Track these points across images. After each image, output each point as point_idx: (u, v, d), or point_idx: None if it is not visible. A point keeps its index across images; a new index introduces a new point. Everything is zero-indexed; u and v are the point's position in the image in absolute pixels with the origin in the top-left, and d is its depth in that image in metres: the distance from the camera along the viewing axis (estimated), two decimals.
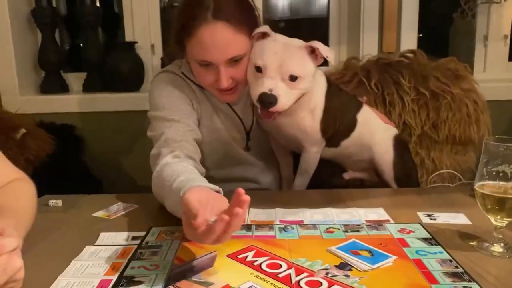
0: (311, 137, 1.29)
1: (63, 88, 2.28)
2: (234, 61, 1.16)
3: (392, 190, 1.30)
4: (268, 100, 1.11)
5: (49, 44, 2.20)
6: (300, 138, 1.29)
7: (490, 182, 0.86)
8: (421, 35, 2.28)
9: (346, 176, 1.48)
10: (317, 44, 1.15)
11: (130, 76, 2.22)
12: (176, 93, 1.25)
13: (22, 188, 0.99)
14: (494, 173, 0.85)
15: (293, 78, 1.13)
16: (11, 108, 2.06)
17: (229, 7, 1.14)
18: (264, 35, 1.17)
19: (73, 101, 2.20)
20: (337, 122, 1.31)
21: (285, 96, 1.13)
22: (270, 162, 1.45)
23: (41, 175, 1.82)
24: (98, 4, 2.37)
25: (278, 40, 1.16)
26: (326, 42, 2.38)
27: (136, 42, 2.27)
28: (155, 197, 1.09)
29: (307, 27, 2.76)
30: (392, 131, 1.44)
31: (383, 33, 2.16)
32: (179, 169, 1.02)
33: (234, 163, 1.39)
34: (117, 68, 2.19)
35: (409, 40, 2.19)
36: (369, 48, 2.15)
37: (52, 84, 2.25)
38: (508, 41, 2.36)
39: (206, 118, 1.30)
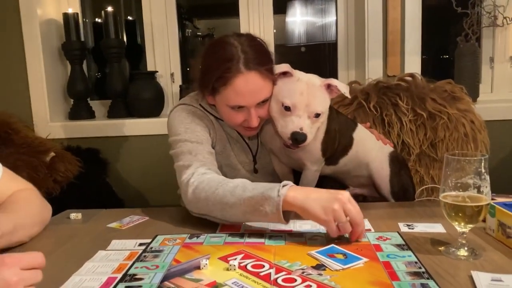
0: (313, 156, 1.41)
1: (90, 115, 2.47)
2: (261, 102, 1.30)
3: (379, 204, 1.39)
4: (301, 138, 1.26)
5: (77, 75, 2.41)
6: (303, 158, 1.41)
7: (453, 193, 0.96)
8: (425, 57, 2.38)
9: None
10: (334, 82, 1.30)
11: (151, 103, 2.40)
12: (196, 121, 1.37)
13: (24, 194, 1.14)
14: (457, 184, 0.95)
15: (317, 116, 1.28)
16: (43, 133, 2.25)
17: (256, 57, 1.27)
18: (285, 73, 1.30)
19: (99, 127, 2.38)
20: (336, 142, 1.43)
21: (311, 133, 1.28)
22: (275, 181, 1.57)
23: (68, 194, 1.99)
24: (122, 37, 2.57)
25: (302, 80, 1.29)
26: (336, 66, 2.51)
27: (157, 71, 2.45)
28: (196, 209, 1.21)
29: (322, 52, 2.89)
30: (387, 148, 1.55)
31: (387, 57, 2.28)
32: (235, 181, 1.17)
33: None
34: (139, 96, 2.37)
35: (413, 63, 2.30)
36: (375, 72, 2.26)
37: (80, 111, 2.44)
38: None
39: (220, 145, 1.44)
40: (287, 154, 1.43)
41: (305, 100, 1.25)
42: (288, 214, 1.10)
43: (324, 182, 1.52)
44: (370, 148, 1.51)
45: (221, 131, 1.44)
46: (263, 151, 1.51)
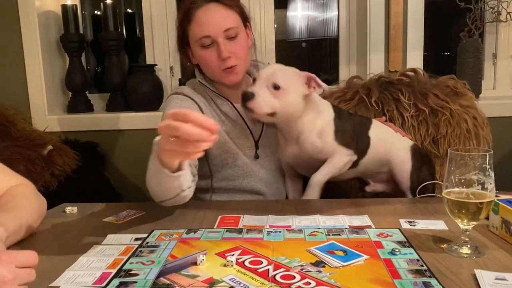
0: (330, 149, 1.37)
1: (88, 108, 2.45)
2: (231, 38, 1.38)
3: (380, 200, 1.37)
4: (246, 96, 1.28)
5: (75, 68, 2.38)
6: (320, 157, 1.39)
7: (456, 189, 0.94)
8: (426, 53, 2.36)
9: (368, 189, 1.57)
10: (313, 75, 1.30)
11: (150, 97, 2.37)
12: (183, 105, 1.41)
13: (21, 190, 1.12)
14: (460, 180, 0.93)
15: (276, 87, 1.27)
16: (40, 127, 2.23)
17: None
18: None
19: (97, 120, 2.36)
20: (355, 142, 1.40)
21: (264, 98, 1.27)
22: (276, 173, 1.55)
23: (66, 188, 1.97)
24: (121, 30, 2.54)
25: (276, 64, 1.35)
26: (337, 61, 2.48)
27: (156, 65, 2.43)
28: (148, 186, 1.18)
29: (323, 47, 2.87)
30: (407, 142, 1.53)
31: (389, 52, 2.25)
32: None
33: (242, 175, 1.50)
34: (138, 89, 2.35)
35: (414, 59, 2.27)
36: (376, 67, 2.24)
37: (78, 104, 2.42)
38: None
39: (228, 137, 1.45)
40: (303, 161, 1.42)
41: (270, 72, 1.30)
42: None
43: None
44: (390, 143, 1.50)
45: (214, 115, 1.45)
46: (267, 138, 1.49)
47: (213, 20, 1.36)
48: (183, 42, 1.46)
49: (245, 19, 1.47)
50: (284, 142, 1.41)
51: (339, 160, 1.38)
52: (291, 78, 1.30)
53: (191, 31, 1.40)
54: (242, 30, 1.43)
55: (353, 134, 1.40)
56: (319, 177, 1.37)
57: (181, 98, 1.44)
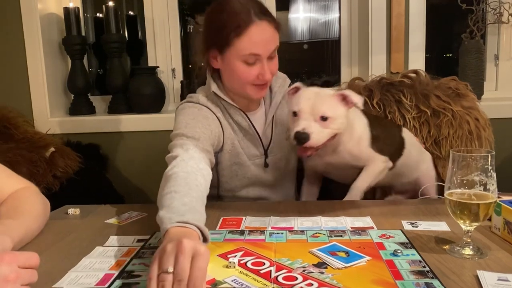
0: (367, 156, 1.41)
1: (90, 110, 2.45)
2: (271, 57, 1.36)
3: (382, 201, 1.37)
4: (301, 137, 1.27)
5: (78, 70, 2.39)
6: (356, 164, 1.42)
7: (458, 190, 0.94)
8: (429, 55, 2.36)
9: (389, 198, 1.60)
10: (347, 92, 1.32)
11: (152, 99, 2.37)
12: (199, 118, 1.36)
13: (26, 194, 1.12)
14: (462, 181, 0.93)
15: (324, 118, 1.29)
16: (42, 129, 2.24)
17: (263, 8, 1.35)
18: (297, 89, 1.36)
19: (99, 122, 2.36)
20: (389, 145, 1.44)
21: (317, 134, 1.28)
22: (284, 179, 1.57)
23: (68, 190, 1.97)
24: (123, 32, 2.55)
25: (310, 89, 1.35)
26: (339, 63, 2.48)
27: (158, 67, 2.43)
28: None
29: (325, 49, 2.87)
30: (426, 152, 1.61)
31: (391, 54, 2.25)
32: (182, 182, 1.08)
33: (250, 184, 1.51)
34: (140, 91, 2.35)
35: (416, 60, 2.27)
36: (378, 69, 2.24)
37: (80, 106, 2.43)
38: None
39: (228, 143, 1.43)
40: (340, 168, 1.45)
41: (311, 104, 1.29)
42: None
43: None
44: (419, 148, 1.55)
45: (228, 128, 1.43)
46: (276, 146, 1.49)
47: (265, 40, 1.33)
48: (211, 44, 1.38)
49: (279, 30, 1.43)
50: (317, 153, 1.41)
51: (376, 167, 1.41)
52: (332, 103, 1.32)
53: (239, 44, 1.31)
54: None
55: (386, 138, 1.44)
56: (358, 184, 1.40)
57: (197, 108, 1.40)
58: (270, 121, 1.49)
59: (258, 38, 1.31)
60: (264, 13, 1.33)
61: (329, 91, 1.34)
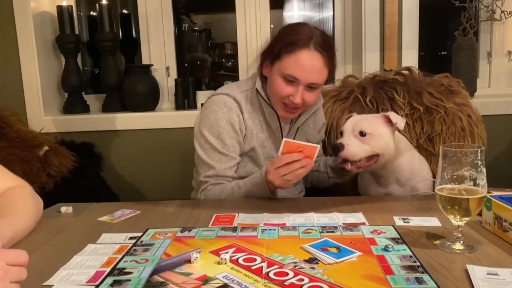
0: (404, 172, 1.49)
1: (84, 109, 2.45)
2: (311, 87, 1.41)
3: (374, 197, 1.38)
4: (337, 147, 1.38)
5: (71, 68, 2.38)
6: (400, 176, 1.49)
7: (448, 185, 0.94)
8: (422, 53, 2.37)
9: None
10: (390, 113, 1.40)
11: (146, 97, 2.37)
12: (228, 128, 1.46)
13: (18, 192, 1.12)
14: (453, 177, 0.93)
15: (362, 134, 1.36)
16: (36, 127, 2.23)
17: (324, 44, 1.40)
18: (350, 117, 1.48)
19: (93, 121, 2.35)
20: None
21: (352, 146, 1.38)
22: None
23: (62, 189, 1.97)
24: (117, 30, 2.54)
25: (356, 115, 1.48)
26: None
27: (152, 65, 2.43)
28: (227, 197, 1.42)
29: None
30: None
31: (384, 52, 2.26)
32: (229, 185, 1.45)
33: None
34: (134, 89, 2.35)
35: (410, 58, 2.27)
36: (371, 66, 2.24)
37: (74, 105, 2.42)
38: (511, 56, 2.43)
39: (249, 147, 1.52)
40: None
41: (354, 123, 1.41)
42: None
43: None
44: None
45: (258, 126, 1.50)
46: None
47: (309, 69, 1.38)
48: (269, 53, 1.46)
49: (330, 74, 1.48)
50: (377, 183, 1.51)
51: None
52: (373, 122, 1.39)
53: (286, 61, 1.39)
54: (322, 85, 1.47)
55: None
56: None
57: (227, 107, 1.47)
58: (294, 130, 1.57)
59: (304, 63, 1.37)
60: (322, 46, 1.38)
61: (376, 114, 1.45)
